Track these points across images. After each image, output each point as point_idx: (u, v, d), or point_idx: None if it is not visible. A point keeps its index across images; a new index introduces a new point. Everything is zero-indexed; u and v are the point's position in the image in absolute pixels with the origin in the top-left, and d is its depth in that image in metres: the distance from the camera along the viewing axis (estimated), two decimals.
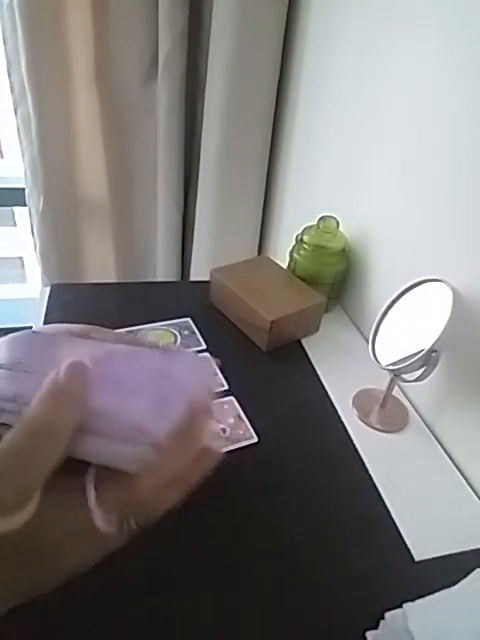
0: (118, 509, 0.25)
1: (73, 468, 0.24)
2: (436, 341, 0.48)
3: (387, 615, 0.37)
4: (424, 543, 0.45)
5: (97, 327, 0.37)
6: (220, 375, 0.62)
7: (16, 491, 0.22)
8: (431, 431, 0.58)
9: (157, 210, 1.18)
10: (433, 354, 0.49)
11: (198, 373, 0.30)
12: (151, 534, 0.42)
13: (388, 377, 0.57)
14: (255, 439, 0.53)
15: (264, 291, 0.70)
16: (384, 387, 0.58)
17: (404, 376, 0.54)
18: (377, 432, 0.57)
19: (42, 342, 0.30)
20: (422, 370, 0.51)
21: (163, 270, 1.27)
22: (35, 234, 1.21)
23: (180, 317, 0.72)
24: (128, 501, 0.25)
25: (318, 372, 0.65)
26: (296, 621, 0.38)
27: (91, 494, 0.24)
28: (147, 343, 0.31)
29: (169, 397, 0.26)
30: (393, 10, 0.64)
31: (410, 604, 0.37)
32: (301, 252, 0.74)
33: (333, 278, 0.74)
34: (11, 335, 0.29)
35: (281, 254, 0.83)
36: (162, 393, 0.26)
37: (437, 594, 0.38)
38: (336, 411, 0.59)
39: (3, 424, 0.24)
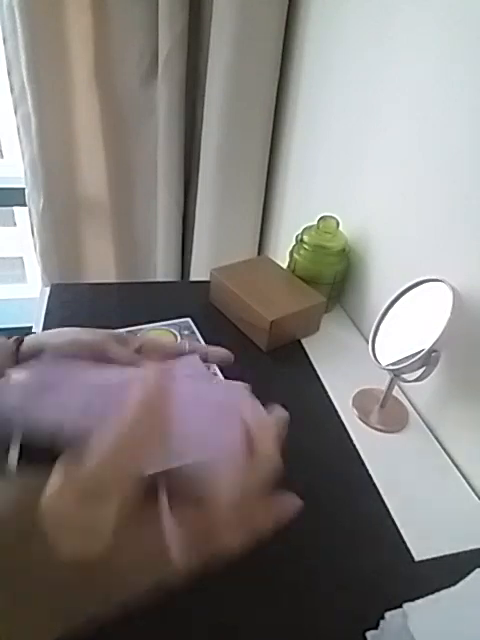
0: (189, 539, 0.23)
1: (147, 496, 0.23)
2: (436, 341, 0.48)
3: (387, 615, 0.37)
4: (424, 543, 0.45)
5: (108, 339, 0.37)
6: (220, 375, 0.62)
7: (108, 516, 0.21)
8: (431, 431, 0.58)
9: (157, 210, 1.18)
10: (433, 354, 0.49)
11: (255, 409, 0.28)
12: None
13: (388, 377, 0.57)
14: None
15: (264, 291, 0.70)
16: (384, 387, 0.58)
17: (404, 376, 0.54)
18: (377, 432, 0.57)
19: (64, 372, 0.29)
20: (422, 370, 0.51)
21: (163, 270, 1.27)
22: (35, 234, 1.21)
23: (180, 317, 0.72)
24: (199, 521, 0.24)
25: (318, 372, 0.65)
26: (296, 621, 0.38)
27: (167, 525, 0.22)
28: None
29: (226, 426, 0.25)
30: (392, 11, 0.64)
31: (410, 604, 0.37)
32: (301, 252, 0.74)
33: (333, 278, 0.74)
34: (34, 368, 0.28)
35: (281, 254, 0.83)
36: (219, 423, 0.26)
37: (437, 594, 0.38)
38: (336, 411, 0.59)
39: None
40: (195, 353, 0.35)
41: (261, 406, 0.27)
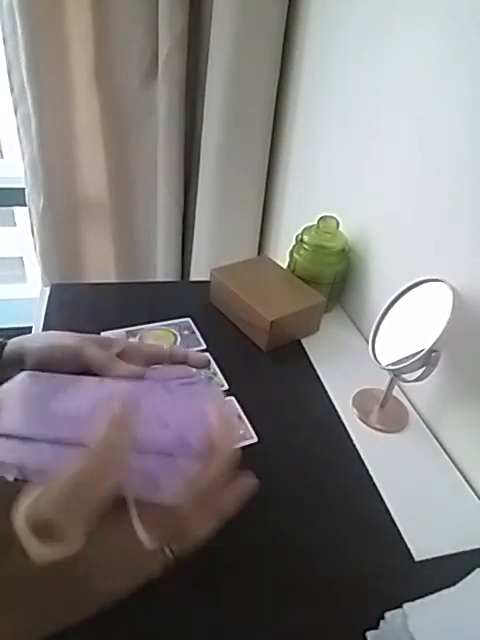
0: (157, 525, 0.25)
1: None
2: (436, 341, 0.48)
3: (387, 615, 0.37)
4: (424, 543, 0.45)
5: (85, 343, 0.39)
6: (220, 375, 0.62)
7: (81, 519, 0.23)
8: (431, 431, 0.58)
9: (157, 210, 1.18)
10: (433, 354, 0.49)
11: (219, 407, 0.31)
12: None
13: (388, 377, 0.57)
14: (255, 439, 0.53)
15: (264, 291, 0.70)
16: (384, 387, 0.58)
17: (404, 376, 0.54)
18: (377, 432, 0.57)
19: (37, 399, 0.31)
20: (422, 370, 0.51)
21: (163, 270, 1.27)
22: (35, 234, 1.20)
23: (180, 317, 0.72)
24: (167, 518, 0.26)
25: (318, 372, 0.65)
26: (296, 621, 0.38)
27: (134, 513, 0.25)
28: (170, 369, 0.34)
29: (192, 428, 0.29)
30: (393, 11, 0.64)
31: (410, 604, 0.37)
32: (301, 252, 0.74)
33: (333, 278, 0.74)
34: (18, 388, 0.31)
35: (281, 254, 0.83)
36: (186, 426, 0.29)
37: (437, 594, 0.38)
38: (336, 411, 0.59)
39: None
40: (176, 359, 0.38)
41: (225, 405, 0.31)
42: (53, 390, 0.32)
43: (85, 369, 0.37)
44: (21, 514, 0.23)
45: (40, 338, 0.41)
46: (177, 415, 0.29)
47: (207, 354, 0.42)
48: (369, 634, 0.36)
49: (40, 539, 0.22)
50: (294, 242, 0.77)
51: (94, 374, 0.36)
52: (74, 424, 0.28)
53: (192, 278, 1.27)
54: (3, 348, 0.39)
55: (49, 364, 0.38)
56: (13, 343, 0.39)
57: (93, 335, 0.42)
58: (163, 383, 0.32)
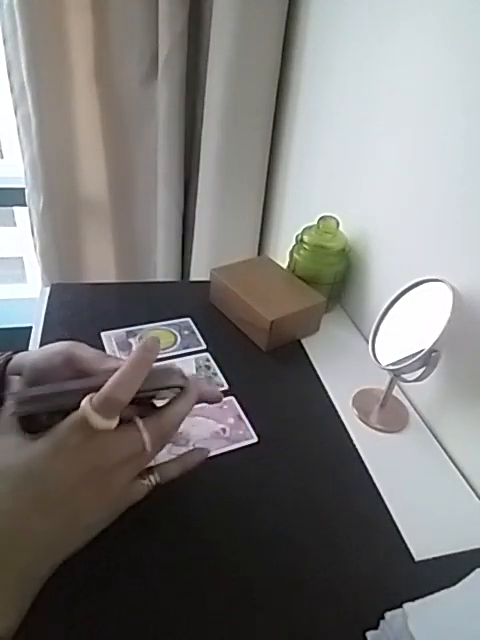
0: (156, 435, 0.35)
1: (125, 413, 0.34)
2: (436, 341, 0.48)
3: (387, 615, 0.37)
4: (424, 543, 0.45)
5: (78, 345, 0.43)
6: (220, 375, 0.62)
7: (126, 395, 0.33)
8: (431, 431, 0.58)
9: (157, 210, 1.18)
10: (433, 354, 0.49)
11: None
12: (150, 531, 0.42)
13: (388, 377, 0.57)
14: (255, 439, 0.53)
15: (264, 291, 0.70)
16: (384, 387, 0.58)
17: (404, 376, 0.54)
18: (377, 432, 0.57)
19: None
20: (422, 370, 0.51)
21: (163, 270, 1.27)
22: (35, 234, 1.20)
23: (180, 317, 0.73)
24: (162, 431, 0.36)
25: (318, 372, 0.65)
26: (296, 621, 0.38)
27: (138, 420, 0.35)
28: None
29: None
30: (393, 11, 0.65)
31: (410, 604, 0.37)
32: (301, 252, 0.74)
33: (333, 278, 0.74)
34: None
35: (281, 254, 0.83)
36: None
37: (437, 594, 0.38)
38: (336, 411, 0.59)
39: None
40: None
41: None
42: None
43: (79, 374, 0.39)
44: (85, 401, 0.32)
45: (37, 350, 0.43)
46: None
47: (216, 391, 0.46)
48: (369, 634, 0.36)
49: (100, 414, 0.32)
50: (294, 242, 0.77)
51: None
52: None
53: (192, 278, 1.27)
54: (8, 362, 0.41)
55: (45, 370, 0.40)
56: (16, 357, 0.41)
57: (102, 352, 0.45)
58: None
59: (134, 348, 0.37)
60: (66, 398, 0.34)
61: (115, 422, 0.33)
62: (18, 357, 0.42)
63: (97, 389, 0.33)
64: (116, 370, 0.34)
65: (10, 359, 0.41)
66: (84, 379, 0.37)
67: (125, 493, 0.36)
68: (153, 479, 0.38)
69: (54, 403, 0.34)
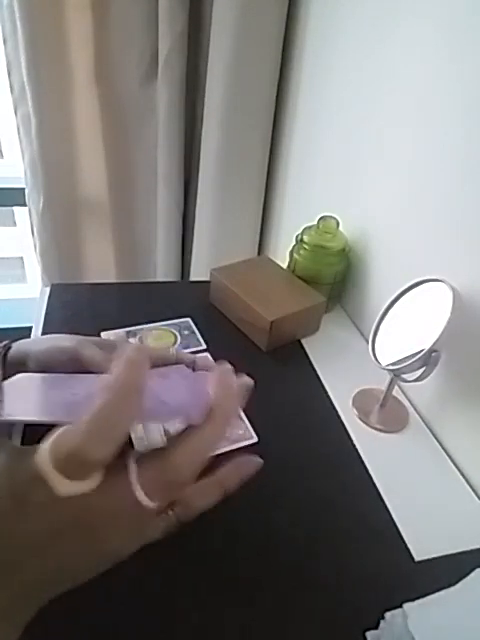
0: (155, 484, 0.26)
1: (116, 455, 0.25)
2: (436, 341, 0.48)
3: (387, 615, 0.37)
4: (424, 543, 0.45)
5: (84, 343, 0.40)
6: None
7: (104, 449, 0.24)
8: (431, 431, 0.58)
9: (157, 210, 1.18)
10: (433, 354, 0.49)
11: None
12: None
13: (388, 377, 0.57)
14: (255, 439, 0.53)
15: (264, 291, 0.70)
16: (384, 387, 0.58)
17: (404, 376, 0.54)
18: (377, 432, 0.57)
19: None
20: (422, 370, 0.51)
21: (163, 270, 1.27)
22: (35, 234, 1.20)
23: (180, 317, 0.72)
24: (163, 476, 0.26)
25: (318, 372, 0.65)
26: (296, 621, 0.38)
27: (132, 469, 0.26)
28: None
29: (191, 403, 0.28)
30: (393, 11, 0.64)
31: (410, 604, 0.37)
32: (301, 252, 0.74)
33: (333, 278, 0.74)
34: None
35: (281, 254, 0.83)
36: (184, 401, 0.28)
37: (437, 594, 0.38)
38: (336, 411, 0.59)
39: None
40: (182, 361, 0.37)
41: (230, 374, 0.30)
42: (50, 384, 0.33)
43: (84, 370, 0.38)
44: (45, 449, 0.24)
45: (42, 341, 0.42)
46: (174, 394, 0.29)
47: (211, 360, 0.41)
48: (369, 634, 0.37)
49: (64, 474, 0.23)
50: (294, 242, 0.77)
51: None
52: (70, 409, 0.28)
53: (192, 278, 1.27)
54: (8, 350, 0.40)
55: (50, 365, 0.39)
56: (17, 346, 0.40)
57: (95, 337, 0.43)
58: (158, 371, 0.31)
59: (113, 365, 0.26)
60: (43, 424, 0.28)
61: (91, 482, 0.24)
62: (21, 345, 0.40)
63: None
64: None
65: (9, 347, 0.40)
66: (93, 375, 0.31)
67: (129, 542, 0.28)
68: (173, 517, 0.29)
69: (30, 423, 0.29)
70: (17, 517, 0.24)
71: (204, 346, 0.67)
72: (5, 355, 0.40)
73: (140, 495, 0.25)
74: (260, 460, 0.32)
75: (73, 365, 0.38)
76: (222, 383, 0.29)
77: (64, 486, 0.24)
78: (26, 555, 0.24)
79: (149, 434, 0.30)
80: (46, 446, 0.24)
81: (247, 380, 0.34)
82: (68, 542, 0.25)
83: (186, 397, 0.28)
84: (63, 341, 0.40)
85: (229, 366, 0.30)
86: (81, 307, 0.73)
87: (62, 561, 0.25)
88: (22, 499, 0.24)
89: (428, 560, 0.43)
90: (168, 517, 0.29)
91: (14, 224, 2.27)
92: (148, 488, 0.26)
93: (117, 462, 0.25)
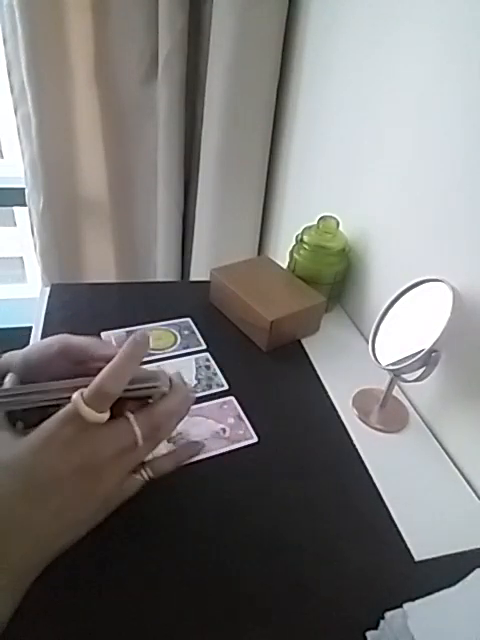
0: (148, 428, 0.35)
1: (117, 407, 0.34)
2: (436, 341, 0.48)
3: (387, 615, 0.37)
4: (424, 543, 0.45)
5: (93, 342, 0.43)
6: (220, 375, 0.62)
7: (117, 388, 0.33)
8: (431, 431, 0.58)
9: (157, 210, 1.18)
10: (433, 354, 0.49)
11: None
12: (151, 531, 0.42)
13: (388, 377, 0.57)
14: (255, 439, 0.53)
15: (264, 291, 0.70)
16: (384, 387, 0.58)
17: (404, 376, 0.54)
18: (377, 432, 0.57)
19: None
20: (422, 370, 0.51)
21: (163, 270, 1.27)
22: (35, 234, 1.21)
23: (180, 317, 0.73)
24: (152, 421, 0.36)
25: (318, 372, 0.65)
26: (296, 621, 0.38)
27: (130, 414, 0.35)
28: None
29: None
30: (393, 11, 0.65)
31: (410, 604, 0.37)
32: (301, 252, 0.74)
33: (333, 278, 0.74)
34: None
35: (281, 254, 0.83)
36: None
37: (437, 594, 0.38)
38: (336, 411, 0.59)
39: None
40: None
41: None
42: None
43: (75, 362, 0.40)
44: (77, 393, 0.32)
45: (29, 345, 0.43)
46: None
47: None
48: (369, 634, 0.36)
49: (89, 405, 0.32)
50: (294, 242, 0.77)
51: (81, 372, 0.38)
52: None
53: (192, 278, 1.27)
54: None
55: (40, 363, 0.40)
56: (6, 355, 0.41)
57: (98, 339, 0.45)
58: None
59: (125, 342, 0.35)
60: (48, 395, 0.34)
61: (106, 415, 0.33)
62: (7, 356, 0.41)
63: (83, 387, 0.33)
64: (110, 360, 0.34)
65: None
66: (69, 380, 0.36)
67: (117, 488, 0.35)
68: (145, 474, 0.37)
69: (35, 399, 0.34)
70: (43, 451, 0.31)
71: (204, 346, 0.67)
72: None
73: (136, 428, 0.34)
74: (202, 446, 0.48)
75: (64, 358, 0.40)
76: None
77: (92, 414, 0.32)
78: (43, 493, 0.31)
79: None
80: (77, 392, 0.32)
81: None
82: (78, 482, 0.32)
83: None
84: (49, 339, 0.42)
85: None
86: (81, 307, 0.73)
87: (69, 504, 0.32)
88: (51, 436, 0.32)
89: (428, 560, 0.43)
90: (141, 474, 0.37)
91: (14, 224, 2.26)
92: (142, 428, 0.34)
93: (117, 412, 0.34)
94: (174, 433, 0.40)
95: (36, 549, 0.31)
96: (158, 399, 0.38)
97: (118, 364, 0.33)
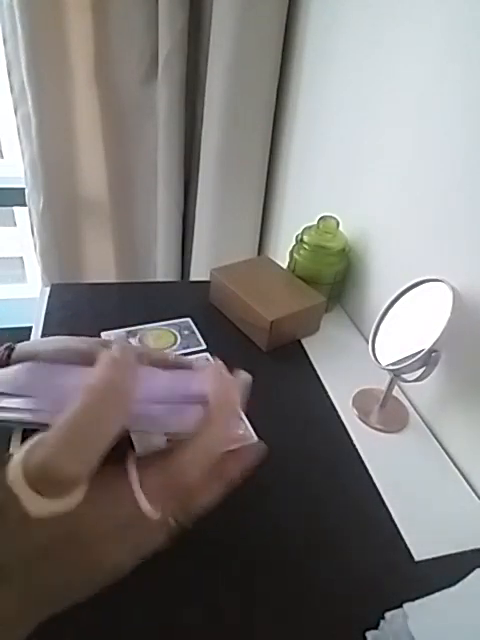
0: (161, 492, 0.24)
1: (113, 458, 0.23)
2: (436, 341, 0.48)
3: (387, 615, 0.37)
4: (424, 543, 0.45)
5: (97, 347, 0.36)
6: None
7: (79, 463, 0.21)
8: (431, 431, 0.58)
9: (157, 210, 1.18)
10: (433, 354, 0.49)
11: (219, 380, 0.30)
12: None
13: (388, 377, 0.57)
14: (255, 439, 0.53)
15: (264, 291, 0.70)
16: (384, 387, 0.58)
17: (404, 376, 0.54)
18: (377, 432, 0.57)
19: (47, 372, 0.31)
20: (422, 370, 0.51)
21: (163, 270, 1.27)
22: (35, 234, 1.21)
23: (180, 317, 0.72)
24: (170, 483, 0.24)
25: (318, 372, 0.65)
26: (296, 621, 0.38)
27: (134, 477, 0.23)
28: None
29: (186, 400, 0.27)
30: (393, 11, 0.64)
31: (410, 604, 0.37)
32: (301, 252, 0.74)
33: (333, 278, 0.74)
34: (17, 367, 0.30)
35: (281, 254, 0.83)
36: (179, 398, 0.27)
37: (437, 594, 0.38)
38: (336, 411, 0.59)
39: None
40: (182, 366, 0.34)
41: (224, 370, 0.29)
42: (41, 376, 0.31)
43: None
44: (16, 464, 0.21)
45: (49, 342, 0.39)
46: (167, 396, 0.27)
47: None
48: (369, 634, 0.36)
49: (38, 491, 0.21)
50: (294, 242, 0.77)
51: None
52: (57, 399, 0.26)
53: (192, 278, 1.27)
54: (11, 351, 0.39)
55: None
56: (20, 347, 0.39)
57: (100, 339, 0.40)
58: (149, 370, 0.29)
59: (96, 365, 0.24)
60: (29, 415, 0.26)
61: (72, 499, 0.21)
62: (25, 346, 0.38)
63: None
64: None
65: (13, 348, 0.38)
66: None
67: (128, 558, 0.25)
68: (173, 521, 0.26)
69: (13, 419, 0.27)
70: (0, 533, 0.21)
71: (204, 346, 0.67)
72: (9, 356, 0.39)
73: (144, 504, 0.23)
74: (263, 446, 0.31)
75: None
76: (218, 380, 0.27)
77: (37, 505, 0.21)
78: (15, 571, 0.21)
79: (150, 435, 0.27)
80: (18, 458, 0.21)
81: (245, 376, 0.32)
82: (60, 559, 0.22)
83: (180, 399, 0.27)
84: (75, 343, 0.37)
85: (221, 363, 0.29)
86: (81, 307, 0.73)
87: (55, 578, 0.22)
88: (1, 515, 0.21)
89: (428, 560, 0.43)
90: (169, 522, 0.26)
91: (14, 224, 2.27)
92: (152, 496, 0.23)
93: (115, 467, 0.23)
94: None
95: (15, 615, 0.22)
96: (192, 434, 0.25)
97: (81, 419, 0.21)
